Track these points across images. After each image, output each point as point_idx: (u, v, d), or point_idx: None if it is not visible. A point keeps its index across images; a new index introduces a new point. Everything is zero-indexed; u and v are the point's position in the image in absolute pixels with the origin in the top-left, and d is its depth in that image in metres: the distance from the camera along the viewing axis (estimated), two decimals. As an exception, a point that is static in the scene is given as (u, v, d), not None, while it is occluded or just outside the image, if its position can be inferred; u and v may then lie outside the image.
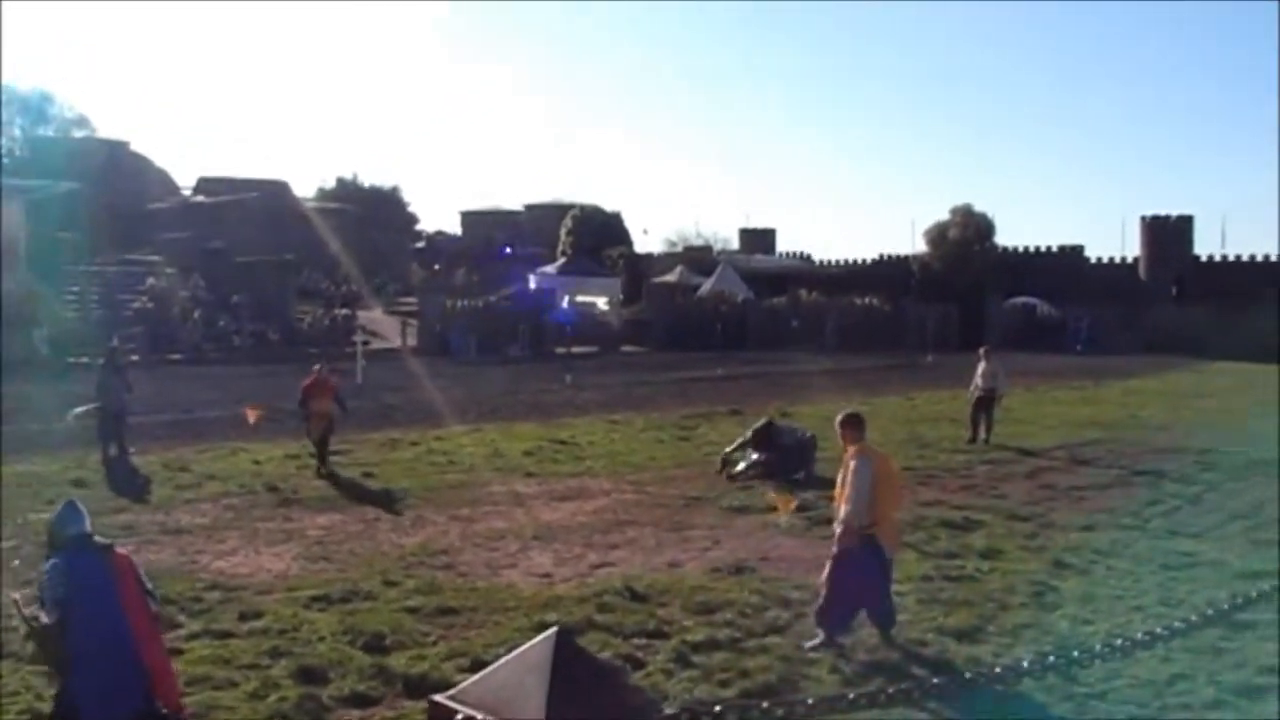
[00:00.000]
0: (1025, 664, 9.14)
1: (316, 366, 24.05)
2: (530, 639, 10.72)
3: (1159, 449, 26.16)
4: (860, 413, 12.49)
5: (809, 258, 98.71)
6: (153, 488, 20.35)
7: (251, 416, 26.54)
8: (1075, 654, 9.75)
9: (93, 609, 8.59)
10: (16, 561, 15.19)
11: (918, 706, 9.26)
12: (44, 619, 8.53)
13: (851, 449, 11.96)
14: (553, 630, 5.17)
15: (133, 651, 8.65)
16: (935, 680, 9.02)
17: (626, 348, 59.84)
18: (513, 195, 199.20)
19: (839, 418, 12.33)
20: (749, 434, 22.56)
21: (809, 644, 11.51)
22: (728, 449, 22.77)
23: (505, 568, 15.09)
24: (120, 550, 9.18)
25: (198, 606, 13.04)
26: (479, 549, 16.04)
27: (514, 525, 17.56)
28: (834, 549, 11.73)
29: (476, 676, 5.32)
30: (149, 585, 9.16)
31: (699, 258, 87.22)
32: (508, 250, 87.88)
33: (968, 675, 9.40)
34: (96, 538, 9.07)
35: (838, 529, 11.71)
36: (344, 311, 60.01)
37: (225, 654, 11.34)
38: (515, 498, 19.81)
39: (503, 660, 5.21)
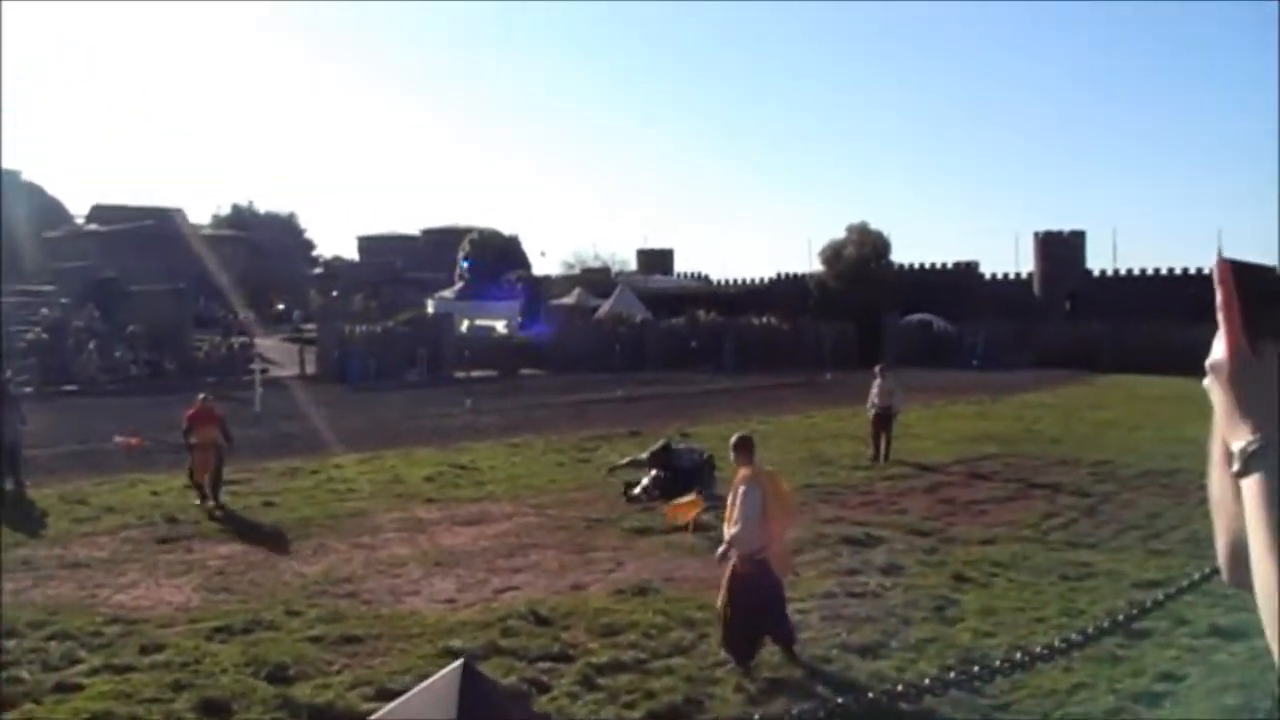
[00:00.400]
0: (928, 681, 9.23)
1: (201, 395, 22.88)
2: (435, 665, 10.72)
3: (1055, 461, 26.53)
4: (750, 436, 12.55)
5: (707, 278, 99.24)
6: (49, 521, 19.93)
7: (128, 444, 25.70)
8: (977, 668, 9.87)
9: None
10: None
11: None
12: None
13: (742, 472, 12.09)
14: (459, 662, 5.12)
15: None
16: (839, 700, 9.07)
17: (525, 370, 59.74)
18: (410, 219, 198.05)
19: (731, 441, 12.47)
20: (645, 455, 22.61)
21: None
22: (619, 461, 22.89)
23: (408, 594, 15.00)
24: None
25: (98, 641, 12.83)
26: (382, 576, 15.93)
27: (416, 552, 17.45)
28: (722, 572, 11.91)
29: (381, 711, 5.28)
30: None
31: (597, 279, 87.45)
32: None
33: (870, 694, 9.45)
34: None
35: (720, 551, 12.02)
36: (241, 339, 59.46)
37: (127, 689, 11.18)
38: (417, 524, 19.68)
39: (409, 694, 5.15)
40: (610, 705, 10.47)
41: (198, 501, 21.08)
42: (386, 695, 10.21)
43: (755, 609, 11.57)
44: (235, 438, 22.83)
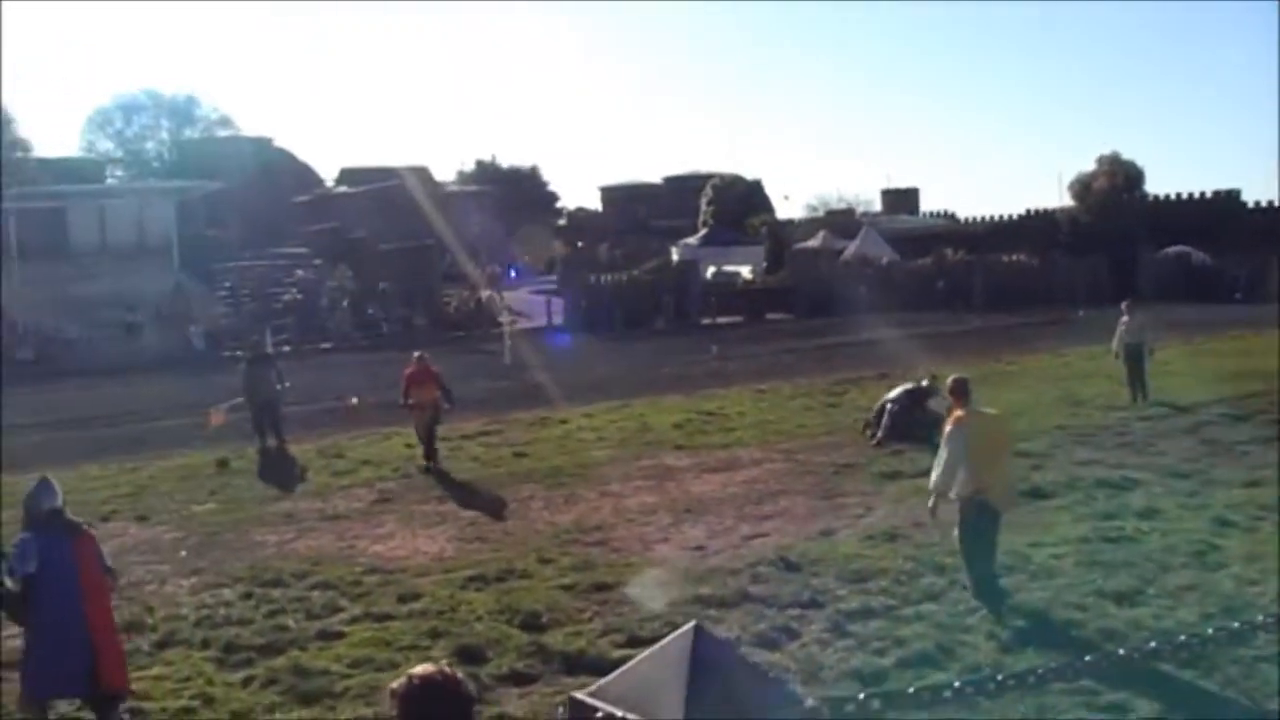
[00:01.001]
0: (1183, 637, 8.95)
1: (417, 354, 22.58)
2: (686, 614, 10.86)
3: (1325, 398, 25.29)
4: (965, 379, 12.78)
5: (953, 216, 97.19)
6: (309, 475, 20.78)
7: (215, 419, 24.88)
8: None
9: (55, 586, 9.23)
10: (184, 552, 15.66)
11: (1070, 684, 9.14)
12: (10, 586, 9.23)
13: (955, 414, 12.30)
14: (691, 624, 5.16)
15: (84, 634, 9.30)
16: (1087, 659, 8.84)
17: (771, 315, 59.52)
18: (652, 168, 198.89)
19: (947, 383, 13.04)
20: (899, 392, 22.25)
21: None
22: (872, 412, 22.53)
23: (658, 542, 15.19)
24: (88, 531, 9.89)
25: (357, 590, 13.36)
26: (631, 524, 16.16)
27: (665, 499, 17.64)
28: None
29: (615, 673, 5.36)
30: (109, 564, 9.90)
31: (842, 221, 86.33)
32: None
33: (1121, 651, 9.22)
34: (68, 516, 9.72)
35: (929, 505, 12.65)
36: (489, 293, 60.56)
37: (386, 636, 11.62)
38: (665, 471, 19.88)
39: (641, 655, 5.20)
40: (860, 652, 10.45)
41: (425, 463, 21.09)
42: (637, 643, 10.40)
43: (975, 546, 12.08)
44: (458, 397, 22.90)
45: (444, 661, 10.32)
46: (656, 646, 5.38)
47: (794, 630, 11.12)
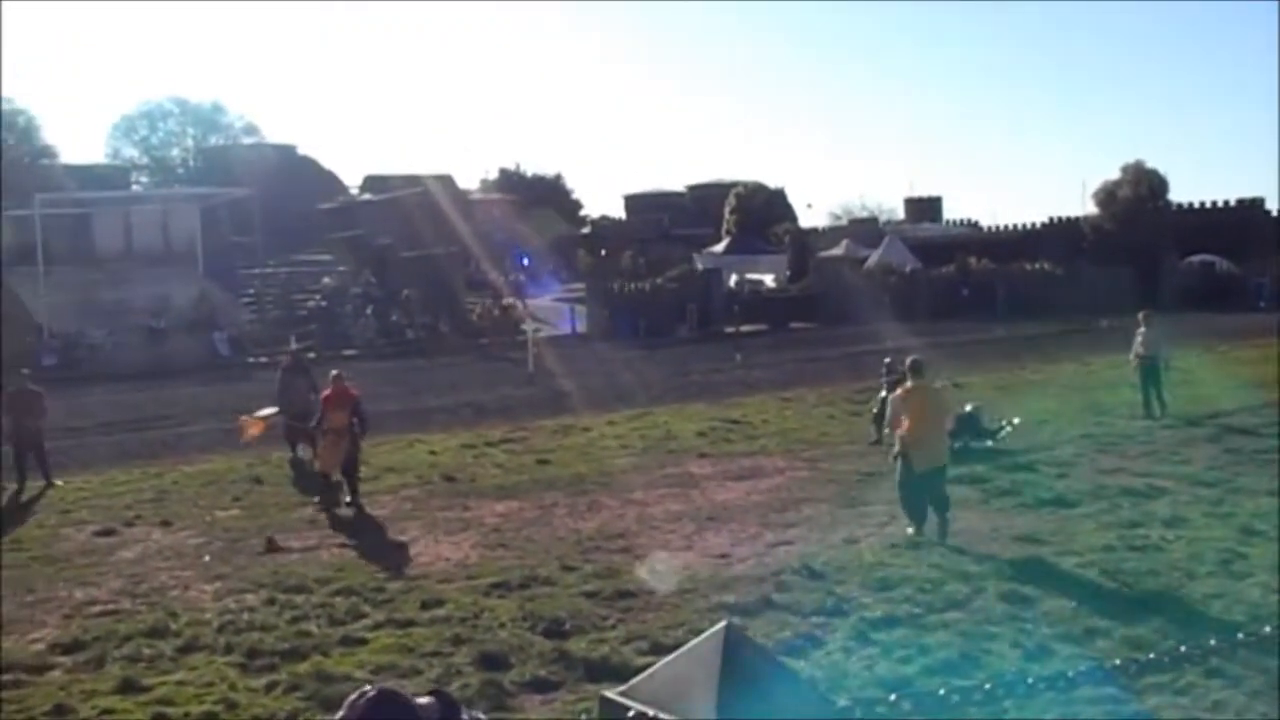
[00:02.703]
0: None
1: (334, 373, 20.23)
2: (709, 621, 10.86)
3: (1350, 407, 25.14)
4: (918, 359, 15.95)
5: (976, 224, 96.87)
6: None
7: (252, 429, 23.30)
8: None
9: None
10: (207, 557, 15.72)
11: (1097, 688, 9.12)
12: None
13: (904, 386, 15.74)
14: (723, 624, 5.16)
15: None
16: (1114, 663, 8.83)
17: (795, 324, 59.47)
18: (675, 176, 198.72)
19: (908, 361, 16.03)
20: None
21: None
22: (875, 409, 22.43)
23: (681, 549, 15.19)
24: None
25: (381, 596, 13.40)
26: (655, 531, 16.18)
27: (689, 507, 17.65)
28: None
29: (647, 672, 5.36)
30: None
31: (865, 230, 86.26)
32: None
33: (1150, 656, 9.21)
34: None
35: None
36: (511, 301, 60.62)
37: (408, 642, 11.65)
38: (689, 479, 19.88)
39: (673, 655, 5.21)
40: (884, 660, 10.43)
41: (317, 499, 19.10)
42: (661, 650, 10.39)
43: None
44: (371, 425, 20.44)
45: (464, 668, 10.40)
46: (687, 646, 5.39)
47: (818, 638, 11.11)
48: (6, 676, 11.38)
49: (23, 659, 11.91)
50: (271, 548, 15.93)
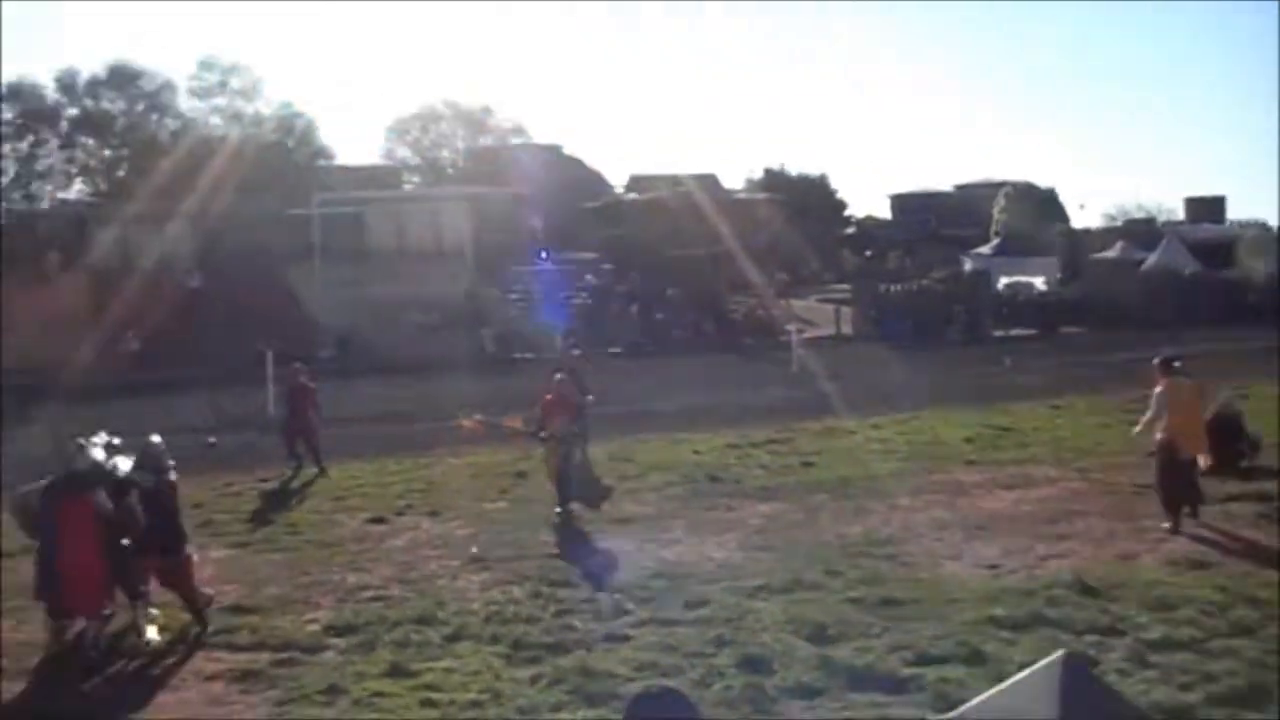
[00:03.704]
0: None
1: (558, 376, 19.75)
2: (978, 633, 10.59)
3: None
4: (1168, 357, 17.19)
5: (1265, 225, 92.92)
6: (599, 478, 20.96)
7: (470, 426, 24.78)
8: None
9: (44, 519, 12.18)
10: (474, 548, 16.01)
11: None
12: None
13: (1161, 381, 16.57)
14: (1060, 653, 4.87)
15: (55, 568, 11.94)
16: None
17: (1066, 328, 57.80)
18: (942, 176, 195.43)
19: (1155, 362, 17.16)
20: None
21: None
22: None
23: (949, 558, 14.88)
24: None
25: (644, 594, 13.47)
26: (922, 539, 15.89)
27: (957, 515, 17.26)
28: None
29: (973, 703, 5.12)
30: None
31: (1141, 231, 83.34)
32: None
33: None
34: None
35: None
36: (777, 301, 60.40)
37: (672, 641, 11.67)
38: (957, 486, 19.44)
39: (1006, 683, 4.94)
40: (1163, 685, 9.99)
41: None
42: (927, 660, 10.21)
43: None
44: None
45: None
46: (1019, 677, 5.11)
47: (1091, 658, 10.67)
48: (284, 655, 11.86)
49: (299, 639, 12.39)
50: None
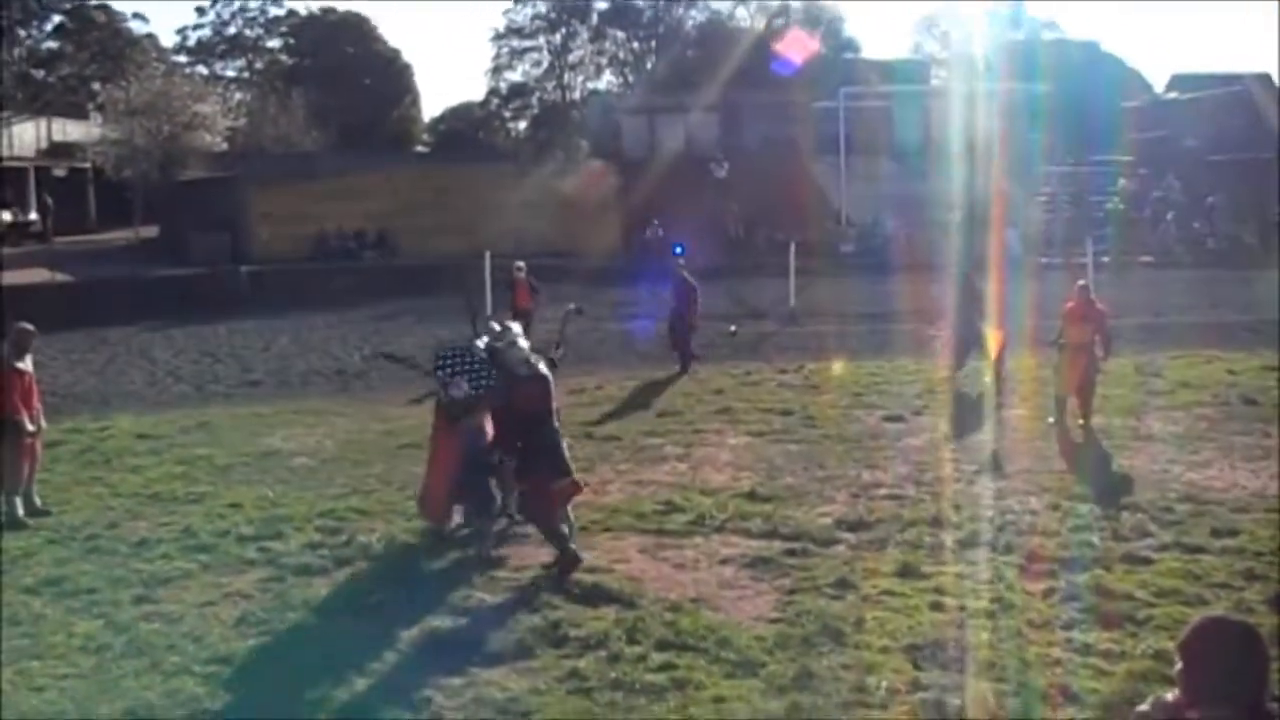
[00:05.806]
0: None
1: (1080, 283, 18.51)
2: None
3: None
4: None
5: None
6: (1122, 393, 19.94)
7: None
8: None
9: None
10: (993, 450, 15.69)
11: None
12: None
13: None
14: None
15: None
16: None
17: None
18: None
19: None
20: None
21: None
22: None
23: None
24: None
25: (1168, 517, 12.84)
26: None
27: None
28: None
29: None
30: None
31: None
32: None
33: None
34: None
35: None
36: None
37: (1196, 569, 11.14)
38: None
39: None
40: None
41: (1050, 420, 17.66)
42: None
43: None
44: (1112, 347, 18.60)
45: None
46: None
47: None
48: (795, 544, 12.09)
49: (812, 530, 12.60)
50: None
